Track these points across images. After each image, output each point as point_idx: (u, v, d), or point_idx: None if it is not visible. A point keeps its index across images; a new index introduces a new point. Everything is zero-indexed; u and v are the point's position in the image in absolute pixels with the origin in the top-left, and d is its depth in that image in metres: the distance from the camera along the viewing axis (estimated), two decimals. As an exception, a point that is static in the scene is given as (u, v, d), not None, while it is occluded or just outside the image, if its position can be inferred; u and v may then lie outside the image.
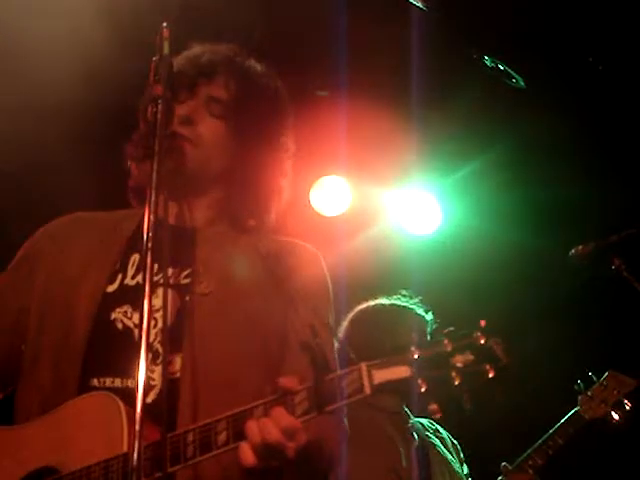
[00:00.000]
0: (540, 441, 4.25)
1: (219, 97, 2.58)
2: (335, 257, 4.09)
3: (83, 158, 4.70)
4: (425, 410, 2.08)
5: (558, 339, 5.32)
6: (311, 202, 5.61)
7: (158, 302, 2.20)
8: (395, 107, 4.95)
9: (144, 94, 2.27)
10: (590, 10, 4.55)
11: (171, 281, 2.37)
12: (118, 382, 2.27)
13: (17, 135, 4.34)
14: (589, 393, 4.32)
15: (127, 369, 2.22)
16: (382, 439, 3.80)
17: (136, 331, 2.28)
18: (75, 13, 4.07)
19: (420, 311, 4.09)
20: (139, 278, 2.37)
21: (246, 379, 2.31)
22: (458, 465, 4.02)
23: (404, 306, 4.12)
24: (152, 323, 2.14)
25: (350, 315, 4.20)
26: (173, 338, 2.25)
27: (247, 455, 2.01)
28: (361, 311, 4.19)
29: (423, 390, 1.91)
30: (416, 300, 4.16)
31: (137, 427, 1.87)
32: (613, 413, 4.26)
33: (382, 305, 4.15)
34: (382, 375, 1.95)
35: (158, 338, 2.27)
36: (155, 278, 2.06)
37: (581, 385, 4.37)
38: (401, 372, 1.93)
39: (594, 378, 4.38)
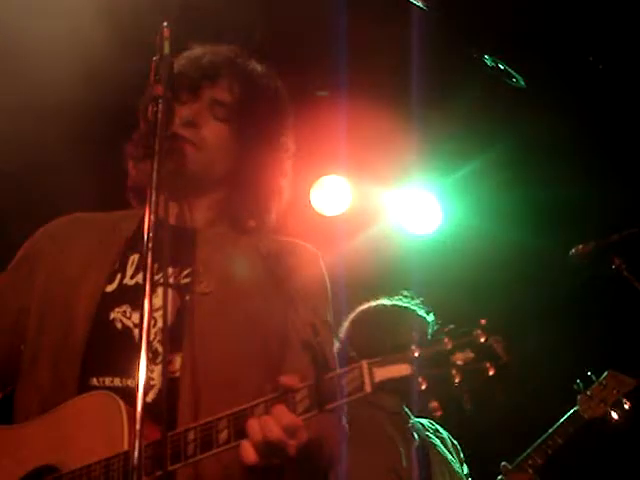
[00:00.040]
0: (540, 441, 4.26)
1: (223, 100, 2.58)
2: (335, 257, 4.10)
3: (83, 158, 4.70)
4: (425, 408, 2.09)
5: (558, 339, 5.32)
6: (311, 202, 5.61)
7: (158, 302, 2.20)
8: (395, 107, 4.95)
9: (144, 94, 2.27)
10: (590, 10, 4.56)
11: (171, 281, 2.37)
12: (117, 381, 2.27)
13: (17, 135, 4.34)
14: (588, 393, 4.33)
15: (126, 369, 2.23)
16: (382, 438, 3.80)
17: (135, 331, 2.29)
18: (75, 13, 4.07)
19: (421, 312, 4.09)
20: (138, 278, 2.38)
21: (246, 379, 2.31)
22: (458, 465, 4.02)
23: (405, 307, 4.12)
24: (152, 322, 2.13)
25: (351, 315, 4.20)
26: (173, 338, 2.25)
27: (248, 453, 2.01)
28: (362, 311, 4.19)
29: (423, 388, 1.92)
30: (417, 301, 4.16)
31: (138, 426, 1.87)
32: (612, 413, 4.26)
33: (383, 306, 4.16)
34: (383, 373, 1.95)
35: (158, 337, 2.28)
36: (155, 278, 2.06)
37: (580, 385, 4.37)
38: (402, 370, 1.94)
39: (593, 378, 4.38)
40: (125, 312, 2.36)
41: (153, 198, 2.08)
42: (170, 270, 2.37)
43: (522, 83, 4.77)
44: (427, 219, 5.71)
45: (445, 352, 1.92)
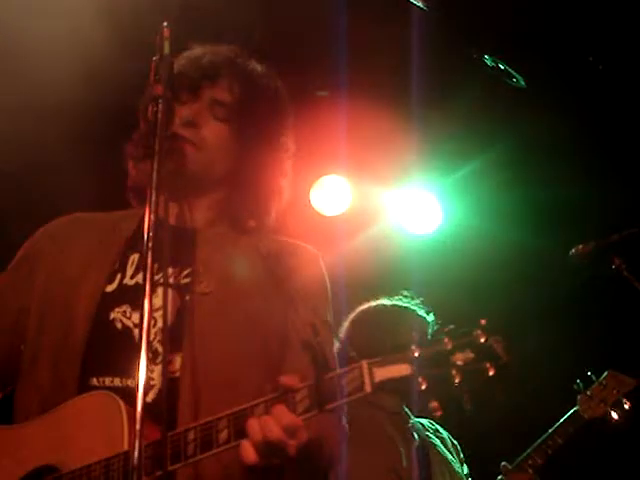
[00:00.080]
0: (540, 441, 4.26)
1: (223, 100, 2.58)
2: (335, 257, 4.10)
3: (83, 158, 4.70)
4: (425, 408, 2.09)
5: (558, 339, 5.32)
6: (311, 202, 5.61)
7: (158, 301, 2.20)
8: (395, 107, 4.95)
9: (144, 94, 2.28)
10: (590, 10, 4.56)
11: (171, 281, 2.37)
12: (117, 381, 2.27)
13: (17, 135, 4.34)
14: (588, 393, 4.33)
15: (126, 369, 2.23)
16: (382, 438, 3.80)
17: (135, 331, 2.29)
18: (75, 13, 4.07)
19: (422, 312, 4.09)
20: (138, 278, 2.39)
21: (246, 379, 2.31)
22: (458, 465, 4.02)
23: (406, 307, 4.12)
24: (152, 322, 2.13)
25: (351, 315, 4.20)
26: (173, 338, 2.25)
27: (248, 453, 2.01)
28: (362, 311, 4.19)
29: (423, 388, 1.92)
30: (417, 301, 4.16)
31: (138, 426, 1.87)
32: (612, 412, 4.26)
33: (384, 306, 4.15)
34: (383, 373, 1.95)
35: (158, 337, 2.28)
36: (155, 278, 2.06)
37: (580, 385, 4.37)
38: (402, 370, 1.94)
39: (593, 378, 4.38)
40: (125, 312, 2.36)
41: (153, 198, 2.08)
42: (170, 270, 2.37)
43: (522, 83, 4.77)
44: (427, 219, 5.71)
45: (445, 352, 1.92)
